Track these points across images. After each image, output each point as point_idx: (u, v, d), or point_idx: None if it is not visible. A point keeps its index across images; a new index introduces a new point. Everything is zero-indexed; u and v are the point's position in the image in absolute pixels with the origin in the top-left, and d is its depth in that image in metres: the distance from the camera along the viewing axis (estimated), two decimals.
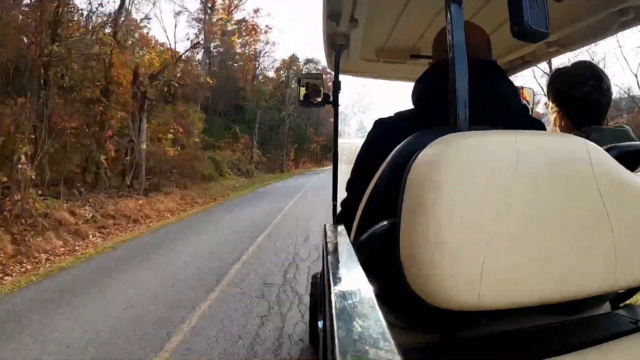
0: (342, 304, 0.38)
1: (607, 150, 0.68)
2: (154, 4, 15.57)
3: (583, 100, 1.28)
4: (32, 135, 7.46)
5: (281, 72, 32.59)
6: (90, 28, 10.50)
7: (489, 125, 0.73)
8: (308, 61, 33.93)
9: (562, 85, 1.35)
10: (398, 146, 0.75)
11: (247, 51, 28.56)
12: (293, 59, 32.45)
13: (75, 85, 9.42)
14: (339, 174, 2.06)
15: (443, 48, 0.77)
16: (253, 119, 27.23)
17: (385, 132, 0.92)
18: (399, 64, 2.03)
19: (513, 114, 0.86)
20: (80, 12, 10.42)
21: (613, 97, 1.35)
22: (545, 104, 1.47)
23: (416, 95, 0.94)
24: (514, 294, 0.56)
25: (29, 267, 5.02)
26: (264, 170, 25.35)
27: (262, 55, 30.59)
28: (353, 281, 0.46)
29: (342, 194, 1.22)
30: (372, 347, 0.29)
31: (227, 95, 26.38)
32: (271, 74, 33.06)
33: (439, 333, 0.71)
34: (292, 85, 33.01)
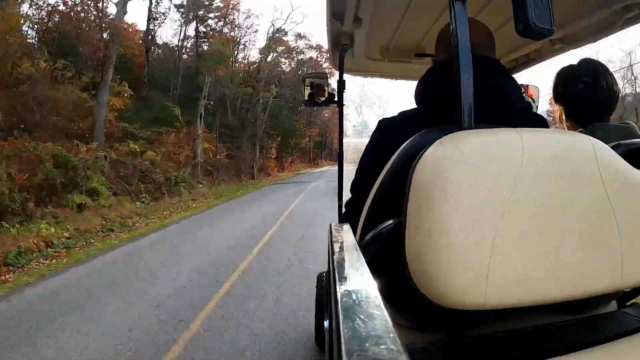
0: (348, 304, 0.38)
1: (612, 147, 0.67)
2: None
3: (580, 98, 1.28)
4: None
5: (267, 50, 25.50)
6: None
7: (491, 123, 0.73)
8: (299, 36, 28.20)
9: (560, 84, 1.36)
10: (403, 145, 0.75)
11: (218, 23, 22.13)
12: (279, 31, 25.25)
13: None
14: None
15: (446, 46, 0.77)
16: (210, 99, 18.90)
17: (389, 131, 0.92)
18: (403, 63, 2.03)
19: (517, 112, 0.86)
20: None
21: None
22: (550, 101, 1.48)
23: (420, 94, 0.94)
24: (520, 293, 0.56)
25: None
26: (224, 177, 17.71)
27: (239, 27, 23.73)
28: (359, 281, 0.46)
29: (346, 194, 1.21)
30: (378, 346, 0.29)
31: (191, 80, 19.75)
32: (254, 53, 26.78)
33: (445, 332, 0.71)
34: (285, 68, 28.44)
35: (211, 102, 18.75)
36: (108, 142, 11.98)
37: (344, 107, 2.09)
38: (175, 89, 20.03)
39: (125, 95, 13.79)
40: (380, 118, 0.97)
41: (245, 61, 25.87)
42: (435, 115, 0.78)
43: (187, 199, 12.08)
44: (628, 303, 0.86)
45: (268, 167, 25.15)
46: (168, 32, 39.99)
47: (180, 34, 21.42)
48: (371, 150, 0.95)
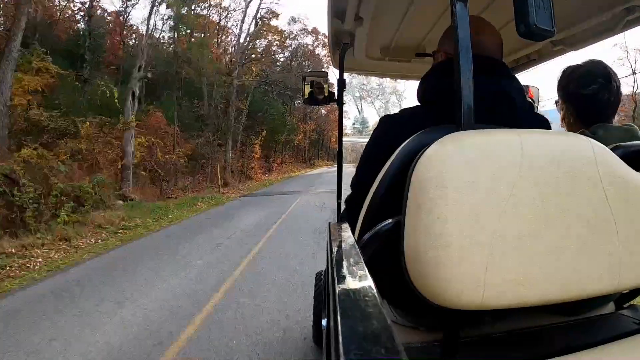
0: (346, 303, 0.38)
1: (612, 149, 0.67)
2: None
3: (592, 98, 1.27)
4: None
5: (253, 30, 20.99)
6: None
7: (494, 123, 0.73)
8: (293, 20, 25.40)
9: (570, 84, 1.35)
10: (403, 144, 0.75)
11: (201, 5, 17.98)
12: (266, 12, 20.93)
13: None
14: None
15: (451, 44, 0.77)
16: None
17: (391, 129, 0.91)
18: (404, 63, 2.03)
19: (518, 112, 0.86)
20: None
21: None
22: (556, 102, 1.46)
23: (421, 93, 0.94)
24: (518, 293, 0.56)
25: None
26: (184, 184, 13.70)
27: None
28: (357, 280, 0.46)
29: (346, 193, 1.19)
30: (376, 345, 0.29)
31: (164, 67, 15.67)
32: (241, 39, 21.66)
33: (442, 332, 0.72)
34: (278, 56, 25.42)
35: (148, 75, 13.01)
36: (14, 136, 8.46)
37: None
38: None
39: (50, 73, 9.85)
40: (382, 115, 0.97)
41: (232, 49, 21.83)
42: (438, 113, 0.78)
43: (49, 239, 6.32)
44: (625, 305, 0.87)
45: (251, 169, 20.06)
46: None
47: (151, 12, 15.98)
48: (372, 147, 0.94)
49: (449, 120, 0.69)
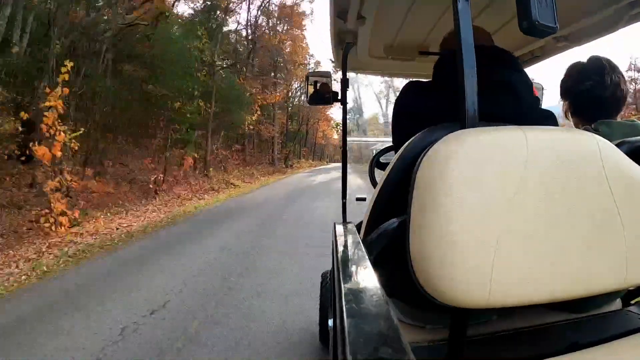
0: (353, 302, 0.38)
1: (617, 145, 0.67)
2: None
3: (586, 94, 1.27)
4: None
5: None
6: None
7: (498, 115, 0.73)
8: None
9: (569, 79, 1.35)
10: (407, 142, 0.75)
11: None
12: None
13: None
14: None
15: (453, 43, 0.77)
16: None
17: (414, 94, 0.98)
18: (407, 61, 2.02)
19: (524, 105, 0.86)
20: None
21: None
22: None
23: (435, 76, 0.97)
24: (524, 291, 0.56)
25: None
26: None
27: None
28: (363, 279, 0.47)
29: (350, 194, 1.20)
30: (382, 345, 0.29)
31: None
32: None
33: (449, 330, 0.72)
34: None
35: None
36: None
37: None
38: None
39: None
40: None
41: None
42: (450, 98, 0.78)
43: None
44: (633, 301, 0.86)
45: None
46: None
47: None
48: (399, 103, 1.01)
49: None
